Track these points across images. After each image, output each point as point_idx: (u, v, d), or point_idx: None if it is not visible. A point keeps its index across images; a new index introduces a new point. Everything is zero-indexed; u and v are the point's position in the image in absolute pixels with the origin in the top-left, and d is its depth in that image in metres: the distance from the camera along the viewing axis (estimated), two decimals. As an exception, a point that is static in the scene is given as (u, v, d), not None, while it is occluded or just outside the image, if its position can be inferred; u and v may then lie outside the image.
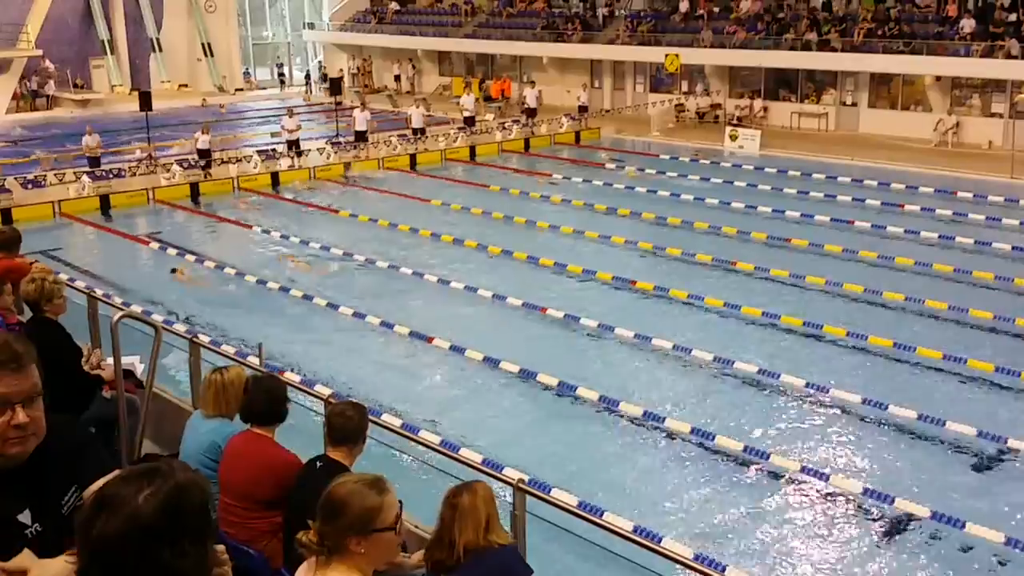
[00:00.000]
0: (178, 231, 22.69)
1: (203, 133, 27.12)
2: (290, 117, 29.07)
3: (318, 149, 29.16)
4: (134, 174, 26.03)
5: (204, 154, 26.79)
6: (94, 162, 26.23)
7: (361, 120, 30.25)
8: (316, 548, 3.39)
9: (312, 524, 3.42)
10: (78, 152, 27.82)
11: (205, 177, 26.30)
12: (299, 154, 28.42)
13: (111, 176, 25.45)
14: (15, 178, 24.96)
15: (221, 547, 2.32)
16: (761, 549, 9.52)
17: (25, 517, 2.75)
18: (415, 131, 31.12)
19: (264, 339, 11.53)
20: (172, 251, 20.15)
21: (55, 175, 25.38)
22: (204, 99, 43.70)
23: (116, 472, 2.92)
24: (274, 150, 29.08)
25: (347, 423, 5.19)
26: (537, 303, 16.26)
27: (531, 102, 34.51)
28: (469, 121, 32.83)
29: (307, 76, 49.86)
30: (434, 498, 5.14)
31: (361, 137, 30.03)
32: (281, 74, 51.07)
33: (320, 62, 48.26)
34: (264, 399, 5.55)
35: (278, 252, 20.37)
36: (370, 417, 5.54)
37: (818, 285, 17.14)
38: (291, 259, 19.66)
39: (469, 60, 45.24)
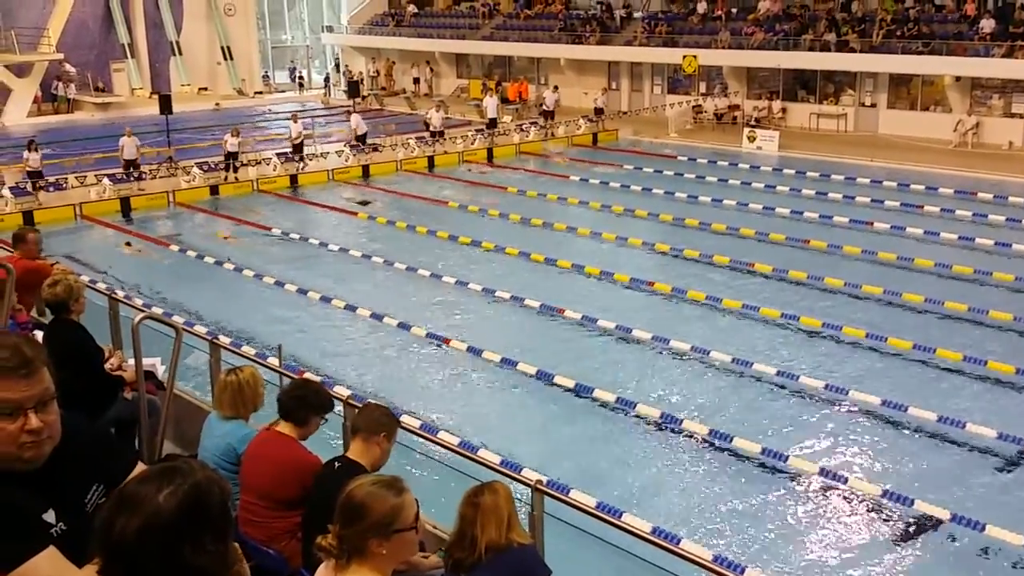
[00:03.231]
0: (198, 233, 22.81)
1: (232, 136, 27.11)
2: (295, 123, 29.12)
3: (336, 152, 29.27)
4: (154, 177, 26.21)
5: (232, 156, 26.90)
6: (130, 165, 26.09)
7: (356, 123, 30.39)
8: (336, 552, 3.40)
9: (331, 528, 3.43)
10: (111, 154, 27.74)
11: (225, 179, 26.48)
12: (301, 159, 28.33)
13: (132, 179, 25.63)
14: (21, 180, 25.12)
15: (235, 544, 2.34)
16: (779, 551, 9.50)
17: (50, 517, 2.77)
18: (433, 133, 31.21)
19: (283, 340, 11.59)
20: (191, 253, 20.26)
21: (76, 178, 25.55)
22: (217, 103, 43.88)
23: (134, 474, 2.95)
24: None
25: (359, 413, 5.29)
26: (555, 304, 16.27)
27: (549, 104, 34.55)
28: (491, 123, 32.89)
29: (326, 79, 50.05)
30: (452, 499, 5.16)
31: (360, 140, 30.13)
32: (300, 77, 51.26)
33: (347, 66, 48.36)
34: (292, 397, 5.60)
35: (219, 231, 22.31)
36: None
37: (837, 287, 17.07)
38: (223, 235, 21.85)
39: (486, 62, 45.28)
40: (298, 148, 28.69)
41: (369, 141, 30.96)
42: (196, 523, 2.11)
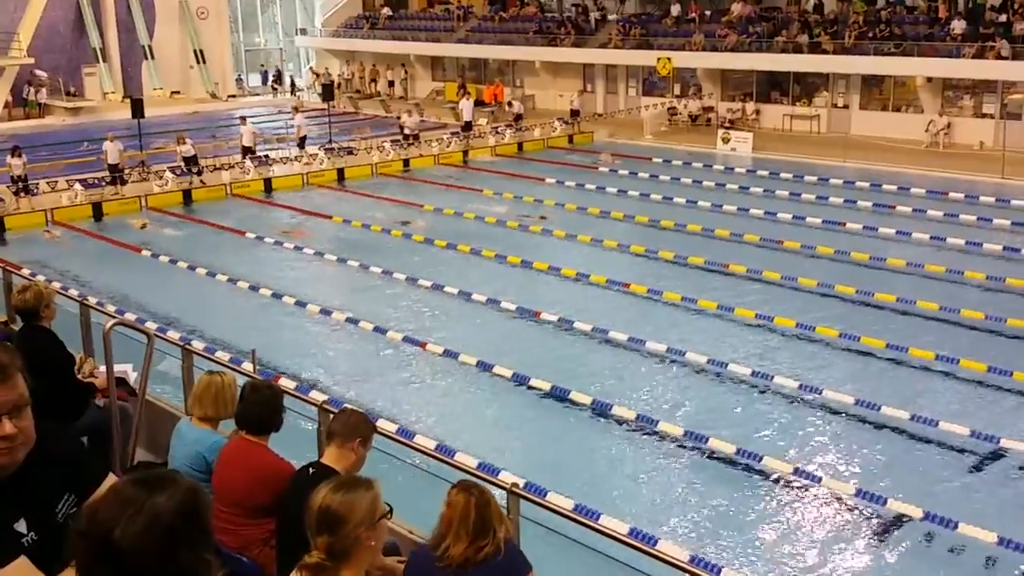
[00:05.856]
0: (170, 238, 22.63)
1: (179, 143, 26.81)
2: (244, 125, 28.84)
3: (311, 155, 29.17)
4: (127, 182, 25.99)
5: (191, 161, 26.66)
6: (113, 169, 25.64)
7: (299, 123, 30.26)
8: (328, 564, 3.42)
9: (316, 542, 3.45)
10: (81, 159, 27.44)
11: (191, 183, 26.20)
12: (255, 160, 28.04)
13: (104, 184, 25.40)
14: (8, 186, 24.86)
15: None
16: (755, 551, 9.54)
17: (21, 526, 2.75)
18: (407, 136, 31.17)
19: (257, 345, 11.53)
20: (164, 258, 20.11)
21: (47, 183, 25.29)
22: (196, 111, 43.46)
23: (125, 477, 2.93)
24: (267, 156, 29.05)
25: (334, 418, 5.34)
26: (531, 307, 16.28)
27: (516, 108, 34.76)
28: (467, 126, 32.89)
29: (292, 82, 49.87)
30: (428, 503, 5.15)
31: (302, 143, 29.98)
32: (276, 80, 50.97)
33: (327, 69, 48.10)
34: (258, 410, 5.55)
35: (142, 219, 23.58)
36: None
37: (810, 286, 17.18)
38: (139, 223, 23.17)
39: (462, 65, 45.27)
40: (248, 151, 28.46)
41: (344, 144, 30.91)
42: (193, 527, 2.13)
